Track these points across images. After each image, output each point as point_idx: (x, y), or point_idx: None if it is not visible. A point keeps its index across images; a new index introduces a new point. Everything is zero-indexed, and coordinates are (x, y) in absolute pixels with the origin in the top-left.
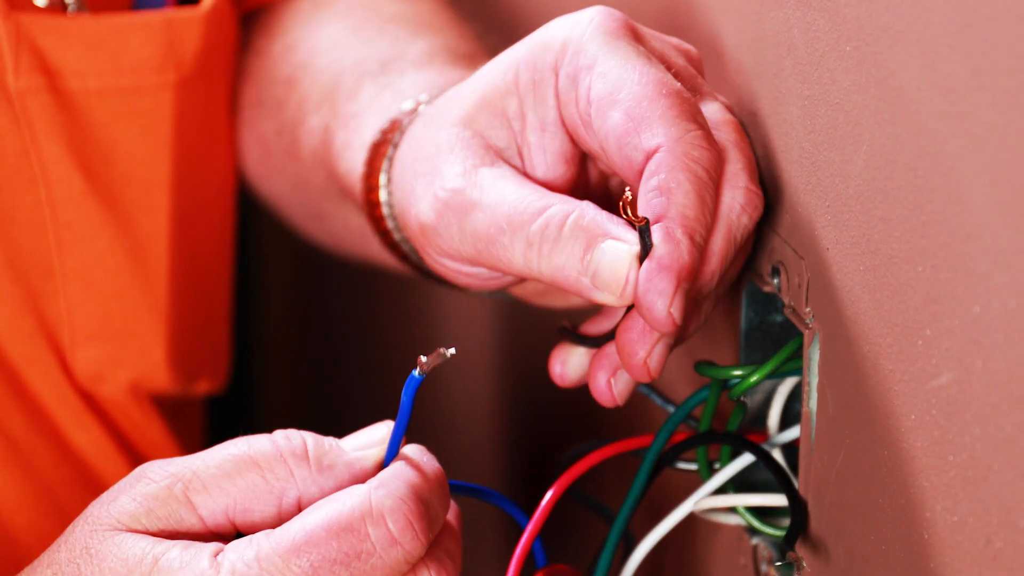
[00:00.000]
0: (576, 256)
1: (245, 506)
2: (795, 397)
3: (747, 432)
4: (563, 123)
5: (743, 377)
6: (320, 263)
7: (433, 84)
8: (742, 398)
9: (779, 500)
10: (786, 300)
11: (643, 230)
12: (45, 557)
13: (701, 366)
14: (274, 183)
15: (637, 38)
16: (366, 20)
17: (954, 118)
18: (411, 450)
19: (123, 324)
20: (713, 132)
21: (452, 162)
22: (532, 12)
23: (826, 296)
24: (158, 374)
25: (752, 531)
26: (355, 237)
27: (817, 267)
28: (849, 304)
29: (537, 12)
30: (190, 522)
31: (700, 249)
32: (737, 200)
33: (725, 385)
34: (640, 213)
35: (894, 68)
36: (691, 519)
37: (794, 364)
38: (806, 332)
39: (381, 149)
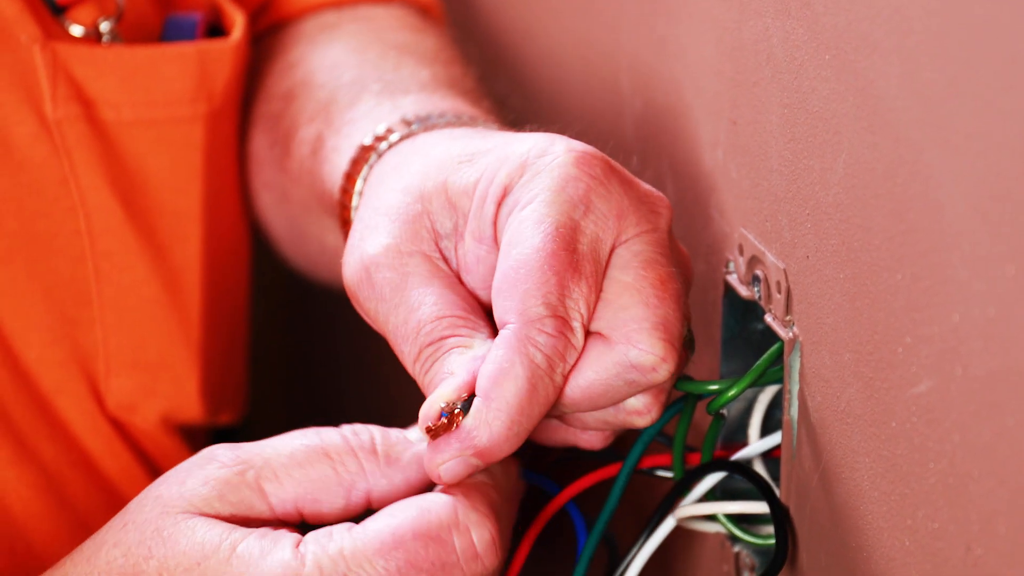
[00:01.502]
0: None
1: (314, 496)
2: (776, 405)
3: (726, 443)
4: (496, 244)
5: (721, 391)
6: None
7: (436, 108)
8: (720, 410)
9: (759, 507)
10: (766, 307)
11: (466, 404)
12: (109, 536)
13: (677, 380)
14: (260, 198)
15: (589, 189)
16: (370, 44)
17: (932, 127)
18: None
19: (158, 355)
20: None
21: (389, 232)
22: (531, 64)
23: (806, 304)
24: (190, 405)
25: (734, 539)
26: (328, 258)
27: (798, 275)
28: (829, 312)
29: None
30: (260, 509)
31: (515, 434)
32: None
33: (701, 398)
34: (478, 381)
35: (873, 77)
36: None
37: (774, 372)
38: (787, 340)
39: (367, 153)
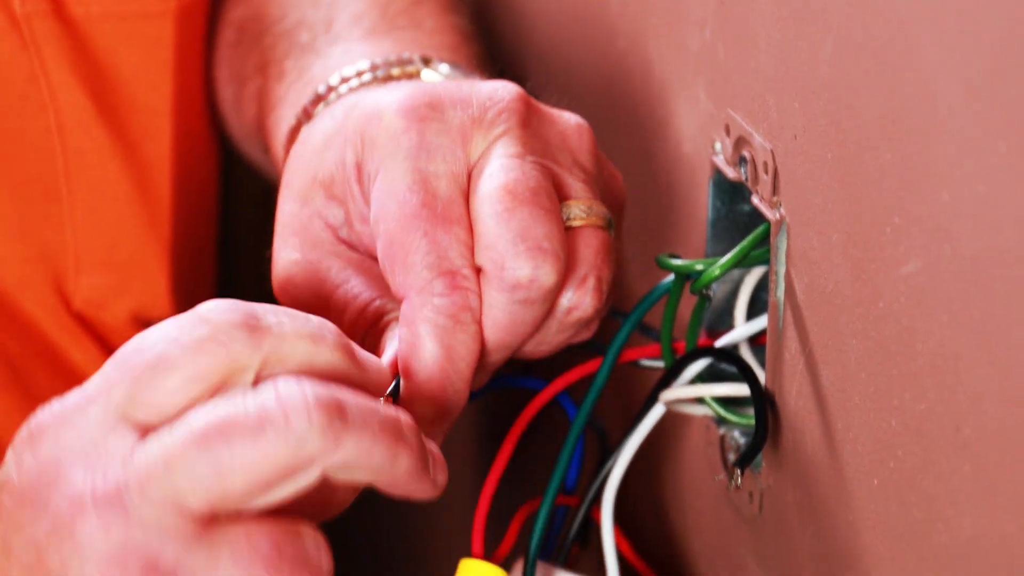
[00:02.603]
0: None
1: None
2: (762, 287)
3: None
4: None
5: (705, 270)
6: None
7: (350, 65)
8: (705, 291)
9: (747, 390)
10: (753, 189)
11: (395, 387)
12: None
13: (663, 259)
14: (221, 93)
15: (422, 136)
16: None
17: (923, 3)
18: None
19: (128, 253)
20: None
21: (292, 246)
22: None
23: (794, 185)
24: (160, 303)
25: (720, 421)
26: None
27: (785, 156)
28: (817, 192)
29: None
30: None
31: (451, 396)
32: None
33: (688, 278)
34: (398, 363)
35: None
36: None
37: (761, 254)
38: (773, 221)
39: (292, 138)
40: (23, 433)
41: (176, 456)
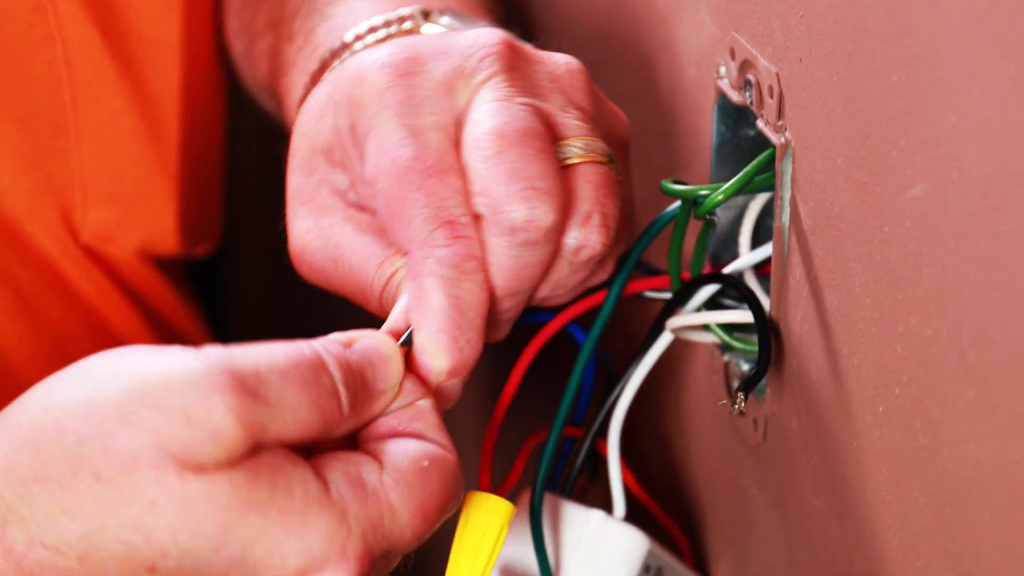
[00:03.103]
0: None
1: None
2: (766, 215)
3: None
4: None
5: (710, 194)
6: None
7: (353, 26)
8: (710, 216)
9: (751, 317)
10: (758, 113)
11: (408, 337)
12: None
13: (667, 185)
14: (232, 45)
15: (407, 91)
16: None
17: None
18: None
19: (135, 186)
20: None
21: (303, 215)
22: None
23: (799, 108)
24: (167, 237)
25: (724, 348)
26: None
27: (790, 79)
28: (822, 116)
29: None
30: None
31: (463, 348)
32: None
33: (693, 204)
34: (410, 317)
35: None
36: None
37: (765, 179)
38: (779, 145)
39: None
40: None
41: None
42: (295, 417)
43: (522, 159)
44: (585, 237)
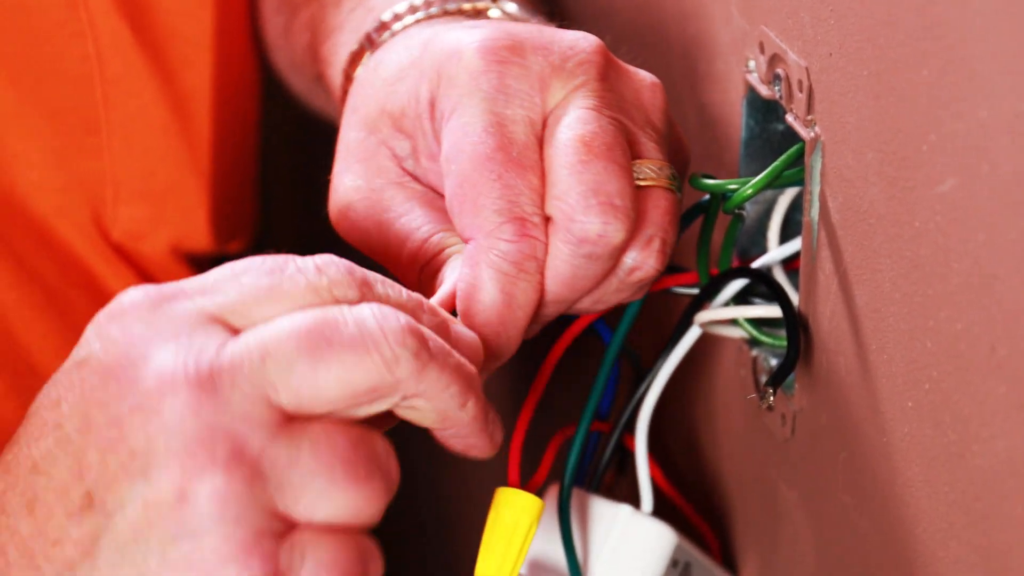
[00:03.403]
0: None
1: None
2: (796, 208)
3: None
4: None
5: (739, 189)
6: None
7: None
8: (738, 210)
9: (779, 311)
10: (788, 107)
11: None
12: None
13: (696, 179)
14: (266, 30)
15: (502, 78)
16: None
17: None
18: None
19: (167, 183)
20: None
21: (356, 173)
22: None
23: (829, 102)
24: (199, 234)
25: (753, 343)
26: (328, 109)
27: (820, 73)
28: (852, 111)
29: None
30: None
31: (504, 343)
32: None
33: (722, 198)
34: (456, 303)
35: None
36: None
37: (794, 174)
38: (808, 140)
39: (350, 72)
40: (104, 314)
41: (275, 350)
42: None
43: (605, 173)
44: (643, 260)
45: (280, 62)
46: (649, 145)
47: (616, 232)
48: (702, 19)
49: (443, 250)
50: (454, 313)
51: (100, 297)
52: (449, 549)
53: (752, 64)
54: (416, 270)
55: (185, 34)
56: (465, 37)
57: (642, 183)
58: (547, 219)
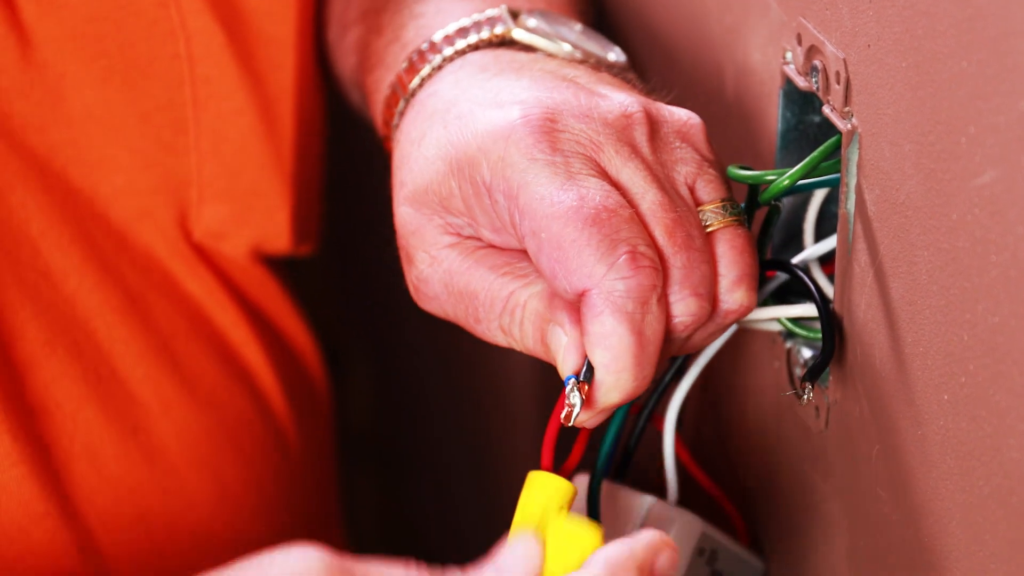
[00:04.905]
0: (536, 338)
1: None
2: (832, 201)
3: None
4: (510, 228)
5: (776, 180)
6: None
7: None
8: (775, 202)
9: (815, 310)
10: (825, 99)
11: (587, 372)
12: None
13: (733, 171)
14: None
15: (554, 145)
16: None
17: None
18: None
19: (251, 184)
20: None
21: (416, 247)
22: None
23: (866, 94)
24: (280, 235)
25: (787, 335)
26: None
27: (858, 64)
28: (890, 102)
29: None
30: None
31: (643, 379)
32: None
33: (760, 190)
34: (590, 356)
35: None
36: None
37: (831, 165)
38: (845, 132)
39: (388, 113)
40: None
41: None
42: None
43: (696, 261)
44: (736, 302)
45: (334, 71)
46: (707, 188)
47: (702, 311)
48: (739, 10)
49: (523, 305)
50: (585, 375)
51: (178, 300)
52: (482, 531)
53: (789, 55)
54: (493, 324)
55: (272, 35)
56: (500, 117)
57: (711, 228)
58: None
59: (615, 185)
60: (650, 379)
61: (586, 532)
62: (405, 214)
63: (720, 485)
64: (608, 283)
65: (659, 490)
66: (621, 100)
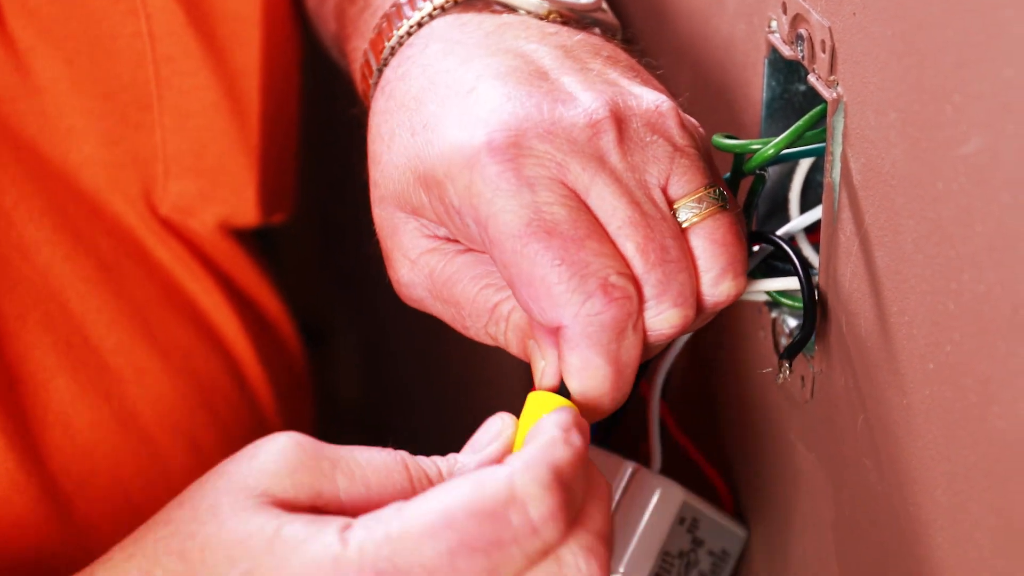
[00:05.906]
0: (520, 348)
1: (384, 504)
2: (817, 170)
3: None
4: (481, 240)
5: (761, 149)
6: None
7: None
8: (760, 171)
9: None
10: (810, 67)
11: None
12: (162, 514)
13: (718, 139)
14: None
15: (519, 173)
16: None
17: None
18: (557, 420)
19: (217, 160)
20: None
21: (394, 249)
22: None
23: (852, 63)
24: (247, 210)
25: (772, 304)
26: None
27: (843, 32)
28: (875, 71)
29: None
30: (327, 498)
31: (622, 396)
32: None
33: (744, 159)
34: (568, 385)
35: None
36: None
37: (816, 135)
38: (830, 100)
39: (365, 84)
40: None
41: None
42: None
43: (672, 273)
44: (724, 292)
45: (317, 36)
46: (681, 181)
47: (686, 320)
48: None
49: (508, 314)
50: (561, 391)
51: (151, 268)
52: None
53: (774, 24)
54: (481, 326)
55: (235, 12)
56: (465, 140)
57: (689, 223)
58: (633, 279)
59: (584, 206)
60: (628, 394)
61: (551, 400)
62: (381, 215)
63: (705, 453)
64: (582, 319)
65: (644, 457)
66: (587, 106)
